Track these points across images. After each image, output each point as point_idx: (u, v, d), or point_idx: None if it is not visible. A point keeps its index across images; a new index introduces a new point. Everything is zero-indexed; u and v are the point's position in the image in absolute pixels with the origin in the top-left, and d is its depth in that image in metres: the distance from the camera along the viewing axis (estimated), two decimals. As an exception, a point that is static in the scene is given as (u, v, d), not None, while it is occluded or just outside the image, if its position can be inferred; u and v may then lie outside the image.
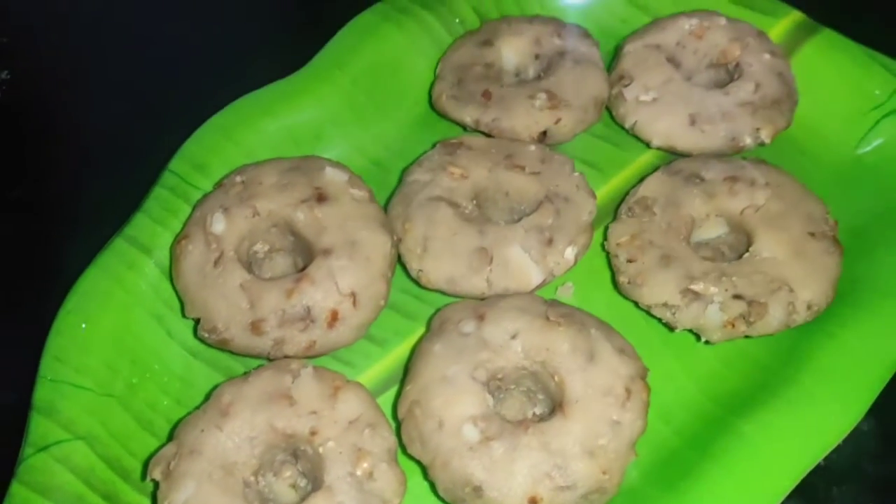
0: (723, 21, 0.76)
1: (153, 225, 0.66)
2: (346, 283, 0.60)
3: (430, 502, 0.57)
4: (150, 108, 0.83)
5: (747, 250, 0.62)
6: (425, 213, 0.64)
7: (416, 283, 0.64)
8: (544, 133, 0.70)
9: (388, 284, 0.62)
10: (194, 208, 0.65)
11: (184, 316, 0.62)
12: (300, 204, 0.62)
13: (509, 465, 0.52)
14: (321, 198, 0.63)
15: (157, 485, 0.54)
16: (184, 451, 0.53)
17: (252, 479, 0.54)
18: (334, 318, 0.59)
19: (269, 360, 0.60)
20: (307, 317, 0.59)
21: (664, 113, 0.70)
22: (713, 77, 0.76)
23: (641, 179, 0.68)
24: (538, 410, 0.58)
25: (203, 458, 0.53)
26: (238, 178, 0.65)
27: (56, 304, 0.62)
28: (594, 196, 0.67)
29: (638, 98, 0.72)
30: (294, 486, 0.56)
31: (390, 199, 0.68)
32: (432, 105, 0.75)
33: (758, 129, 0.70)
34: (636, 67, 0.73)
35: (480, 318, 0.58)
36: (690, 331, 0.61)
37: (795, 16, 0.78)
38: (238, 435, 0.54)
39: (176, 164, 0.69)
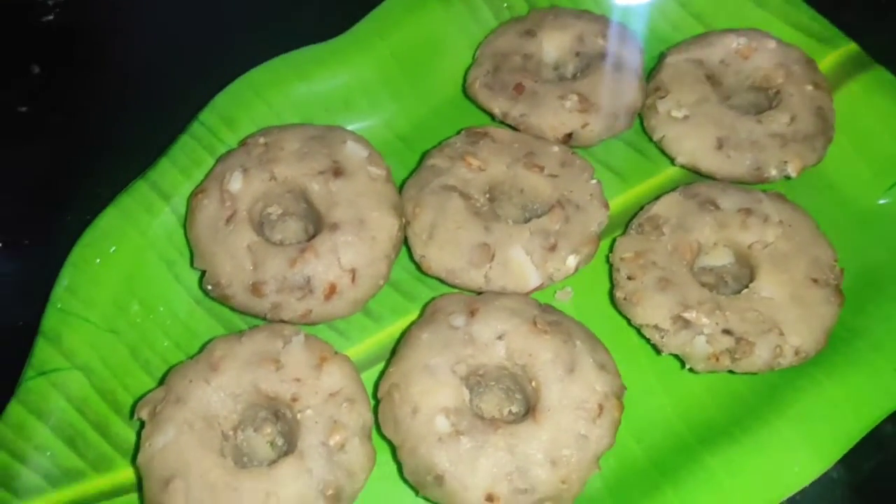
0: (772, 44, 0.74)
1: (176, 173, 0.67)
2: (348, 259, 0.61)
3: (395, 482, 0.59)
4: (193, 52, 0.83)
5: (748, 285, 0.62)
6: (437, 200, 0.65)
7: (418, 267, 0.66)
8: (570, 135, 0.70)
9: (389, 265, 0.63)
10: (216, 163, 0.66)
11: (192, 266, 0.64)
12: (317, 175, 0.64)
13: (473, 461, 0.54)
14: (338, 172, 0.64)
15: (142, 424, 0.56)
16: (171, 397, 0.56)
17: (231, 433, 0.56)
18: (332, 291, 0.61)
19: (267, 321, 0.62)
20: (306, 286, 0.61)
21: (693, 132, 0.70)
22: (752, 100, 0.74)
23: (658, 197, 0.68)
24: (515, 409, 0.60)
25: (187, 407, 0.55)
26: (262, 140, 0.66)
27: (76, 234, 0.64)
28: (607, 207, 0.67)
29: (670, 112, 0.71)
30: (272, 443, 0.58)
31: (407, 178, 0.69)
32: (464, 89, 0.75)
33: (785, 163, 0.68)
34: (673, 81, 0.72)
35: (472, 313, 0.59)
36: (677, 356, 0.62)
37: (851, 48, 0.76)
38: (223, 390, 0.56)
39: (206, 115, 0.70)
